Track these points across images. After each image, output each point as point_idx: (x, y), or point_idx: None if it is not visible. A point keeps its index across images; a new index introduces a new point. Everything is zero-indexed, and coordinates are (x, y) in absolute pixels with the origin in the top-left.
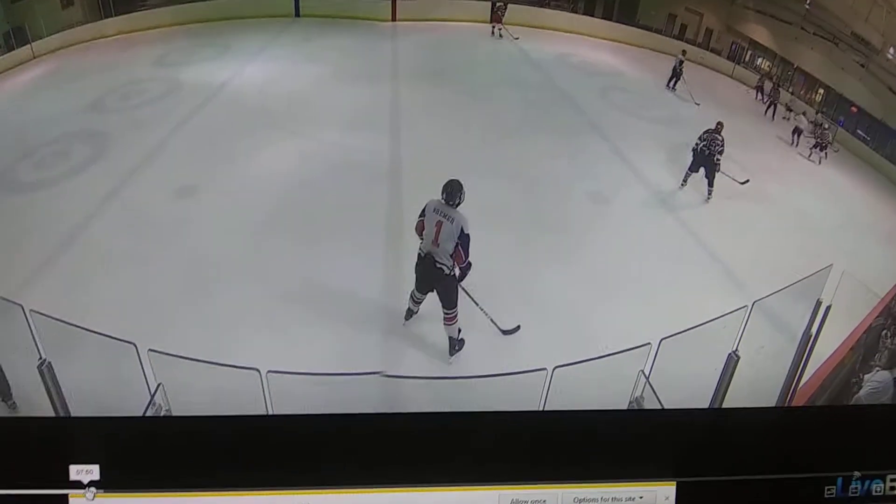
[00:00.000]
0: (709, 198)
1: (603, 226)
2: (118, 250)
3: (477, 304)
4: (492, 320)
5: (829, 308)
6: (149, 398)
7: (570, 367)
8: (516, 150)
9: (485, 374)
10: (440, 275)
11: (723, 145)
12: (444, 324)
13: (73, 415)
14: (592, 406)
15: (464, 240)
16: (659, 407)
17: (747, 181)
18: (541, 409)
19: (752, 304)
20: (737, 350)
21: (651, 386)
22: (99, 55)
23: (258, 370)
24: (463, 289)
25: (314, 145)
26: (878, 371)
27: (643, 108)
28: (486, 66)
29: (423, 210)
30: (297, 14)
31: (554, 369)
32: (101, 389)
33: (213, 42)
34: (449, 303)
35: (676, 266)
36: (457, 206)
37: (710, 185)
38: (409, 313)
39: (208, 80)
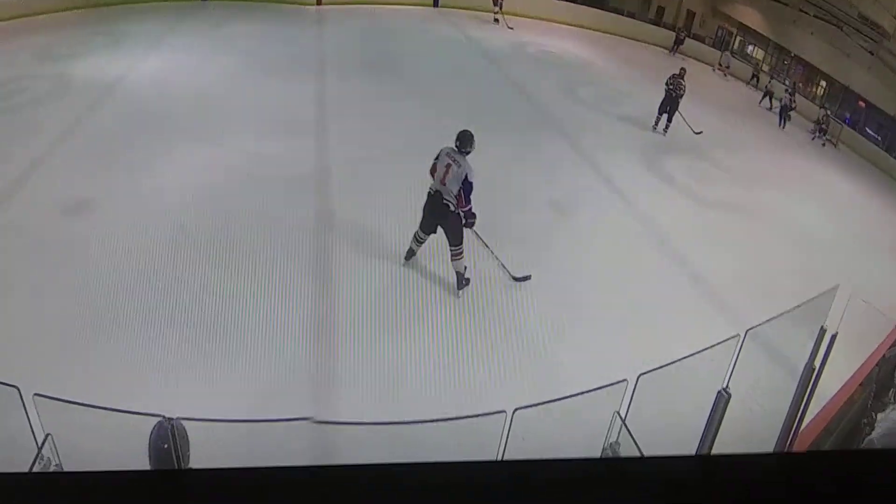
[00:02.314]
0: (665, 132)
1: (569, 241)
2: None
3: (489, 248)
4: (503, 266)
5: (834, 336)
6: (36, 451)
7: (534, 408)
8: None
9: (432, 418)
10: (446, 211)
11: (684, 90)
12: (452, 259)
13: None
14: (559, 454)
15: (466, 186)
16: (638, 455)
17: (701, 132)
18: (499, 458)
19: (745, 332)
20: (727, 387)
21: (628, 430)
22: None
23: (163, 417)
24: (477, 234)
25: (227, 153)
26: (893, 409)
27: (613, 104)
28: (429, 56)
29: (438, 154)
30: None
31: (514, 412)
32: None
33: (106, 30)
34: (455, 239)
35: (656, 289)
36: (467, 153)
37: (669, 121)
38: (410, 253)
39: (100, 75)
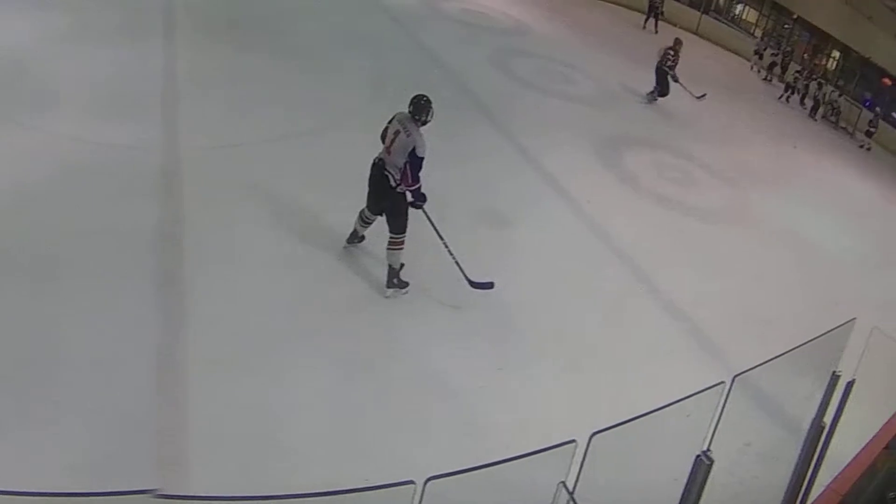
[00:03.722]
0: (645, 101)
1: (502, 261)
2: None
3: (443, 241)
4: (459, 266)
5: (851, 384)
6: None
7: (452, 477)
8: (358, 145)
9: (317, 491)
10: (386, 185)
11: (672, 59)
12: (387, 248)
13: None
14: None
15: (413, 161)
16: None
17: (704, 95)
18: None
19: (732, 379)
20: (708, 450)
21: None
22: None
23: None
24: (429, 219)
25: (38, 138)
26: None
27: (558, 81)
28: (311, 15)
29: (392, 118)
30: None
31: (427, 482)
32: None
33: None
34: (395, 225)
35: (616, 322)
36: (422, 123)
37: (653, 92)
38: (353, 236)
39: None
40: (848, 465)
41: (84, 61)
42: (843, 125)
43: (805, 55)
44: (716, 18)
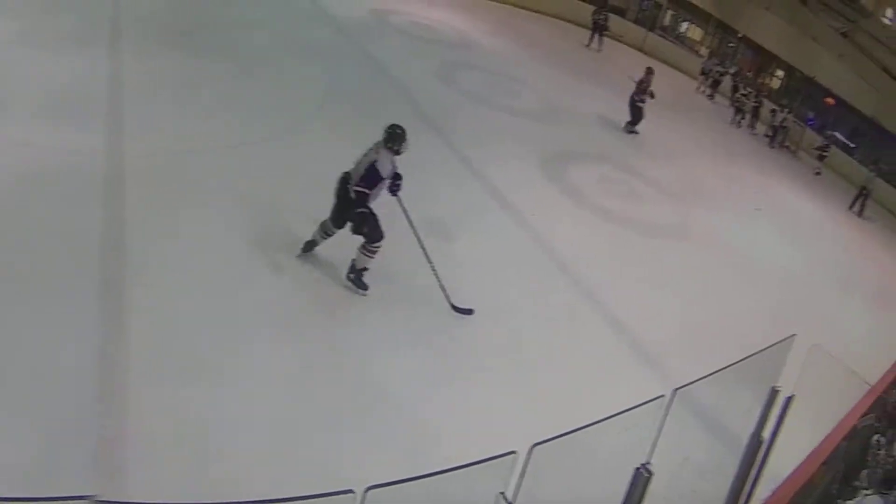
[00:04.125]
0: (626, 131)
1: (445, 272)
2: None
3: (432, 268)
4: (443, 289)
5: (790, 400)
6: None
7: (391, 487)
8: (306, 155)
9: (258, 500)
10: (347, 198)
11: (638, 85)
12: (359, 248)
13: None
14: None
15: (371, 171)
16: None
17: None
18: None
19: (673, 392)
20: (648, 463)
21: None
22: None
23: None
24: (423, 248)
25: None
26: (865, 496)
27: (503, 94)
28: (260, 26)
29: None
30: None
31: (366, 491)
32: None
33: None
34: (367, 236)
35: (559, 335)
36: (394, 153)
37: (630, 124)
38: (309, 245)
39: None
40: (785, 480)
41: (34, 67)
42: (787, 144)
43: (749, 73)
44: (661, 36)
